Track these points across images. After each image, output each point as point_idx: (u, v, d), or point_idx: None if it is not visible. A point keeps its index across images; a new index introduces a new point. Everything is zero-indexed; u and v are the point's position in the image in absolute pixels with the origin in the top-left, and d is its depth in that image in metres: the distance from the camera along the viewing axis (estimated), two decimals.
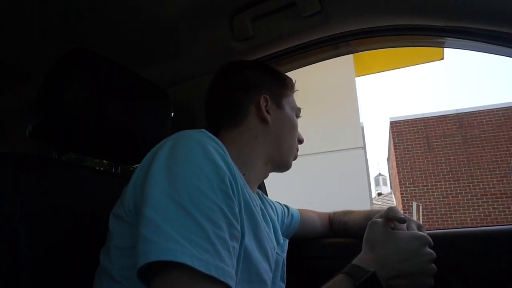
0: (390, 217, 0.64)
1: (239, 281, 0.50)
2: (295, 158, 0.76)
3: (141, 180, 0.47)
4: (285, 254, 0.73)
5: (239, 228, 0.46)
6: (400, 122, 8.47)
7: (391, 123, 8.61)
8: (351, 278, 0.51)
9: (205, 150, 0.47)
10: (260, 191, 0.82)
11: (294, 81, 0.79)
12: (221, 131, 0.70)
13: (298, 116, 0.78)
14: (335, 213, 0.95)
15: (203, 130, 0.52)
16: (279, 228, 0.77)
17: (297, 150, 0.76)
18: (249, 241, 0.54)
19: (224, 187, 0.45)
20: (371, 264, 0.53)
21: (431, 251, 0.57)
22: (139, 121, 0.77)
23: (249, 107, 0.69)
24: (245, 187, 0.58)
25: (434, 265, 0.56)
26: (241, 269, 0.51)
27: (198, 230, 0.40)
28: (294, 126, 0.74)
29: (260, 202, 0.75)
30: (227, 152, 0.51)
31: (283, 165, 0.74)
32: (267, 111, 0.69)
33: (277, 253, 0.69)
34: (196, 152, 0.46)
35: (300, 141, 0.78)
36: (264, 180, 1.13)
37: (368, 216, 0.81)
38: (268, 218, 0.73)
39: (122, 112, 0.73)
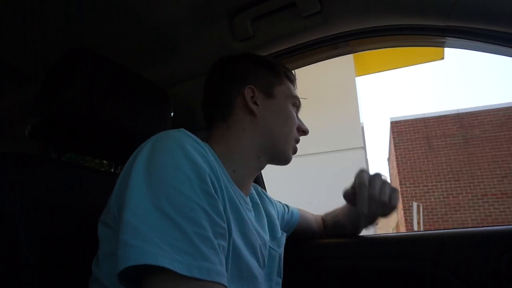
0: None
1: (230, 278, 0.50)
2: (294, 151, 0.71)
3: (124, 185, 0.47)
4: (282, 249, 0.73)
5: (225, 225, 0.46)
6: (401, 122, 8.46)
7: (391, 123, 8.60)
8: None
9: (184, 150, 0.46)
10: (259, 187, 0.82)
11: (293, 72, 0.76)
12: (212, 128, 0.69)
13: (296, 106, 0.73)
14: (326, 214, 0.97)
15: (182, 129, 0.51)
16: (278, 224, 0.76)
17: (297, 142, 0.72)
18: (236, 238, 0.54)
19: (205, 186, 0.45)
20: None
21: None
22: (139, 121, 0.77)
23: (235, 100, 0.67)
24: (230, 184, 0.57)
25: None
26: (231, 266, 0.51)
27: (178, 233, 0.40)
28: (287, 116, 0.69)
29: (257, 197, 0.75)
30: (208, 151, 0.50)
31: (279, 157, 0.69)
32: (255, 102, 0.67)
33: (273, 249, 0.69)
34: (175, 152, 0.46)
35: (304, 132, 0.73)
36: (264, 180, 1.13)
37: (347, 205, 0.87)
38: (264, 213, 0.73)
39: (122, 112, 0.73)
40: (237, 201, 0.57)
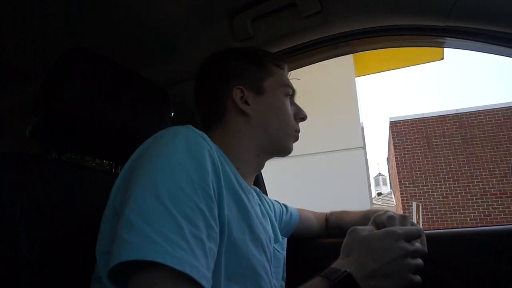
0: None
1: (232, 276, 0.50)
2: (296, 139, 0.70)
3: (128, 180, 0.47)
4: (285, 252, 0.72)
5: (217, 230, 0.46)
6: (400, 122, 8.47)
7: (391, 123, 8.61)
8: (326, 279, 0.47)
9: (189, 147, 0.46)
10: (257, 189, 0.82)
11: (281, 59, 0.73)
12: (210, 129, 0.69)
13: (290, 95, 0.71)
14: (331, 213, 0.94)
15: (190, 126, 0.51)
16: (276, 225, 0.76)
17: (298, 131, 0.70)
18: (241, 234, 0.53)
19: (206, 187, 0.45)
20: (348, 266, 0.49)
21: (405, 245, 0.51)
22: (139, 121, 0.77)
23: (226, 102, 0.66)
24: (236, 180, 0.56)
25: (410, 260, 0.51)
26: (233, 264, 0.50)
27: (174, 227, 0.39)
28: (282, 108, 0.67)
29: (258, 198, 0.74)
30: (213, 147, 0.50)
31: (279, 151, 0.69)
32: (246, 102, 0.65)
33: (277, 250, 0.68)
34: (180, 150, 0.45)
35: (302, 118, 0.71)
36: (265, 180, 1.13)
37: (366, 216, 0.80)
38: (266, 213, 0.72)
39: (122, 112, 0.73)
40: (243, 196, 0.56)
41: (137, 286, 0.39)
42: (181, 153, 0.45)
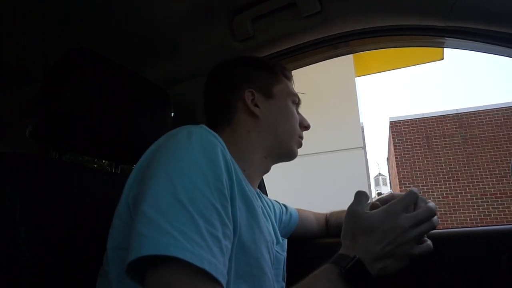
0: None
1: (241, 275, 0.50)
2: (299, 146, 0.74)
3: (141, 177, 0.47)
4: (285, 253, 0.73)
5: (231, 228, 0.46)
6: (400, 122, 8.47)
7: (391, 123, 8.61)
8: (337, 265, 0.49)
9: (203, 146, 0.46)
10: (258, 190, 0.82)
11: (289, 71, 0.78)
12: (217, 131, 0.70)
13: (296, 103, 0.76)
14: (331, 213, 0.95)
15: (203, 126, 0.52)
16: (277, 227, 0.77)
17: (301, 138, 0.75)
18: (251, 235, 0.54)
19: (220, 185, 0.45)
20: (355, 252, 0.51)
21: (402, 223, 0.52)
22: (139, 121, 0.77)
23: (236, 104, 0.70)
24: (244, 182, 0.58)
25: (411, 233, 0.51)
26: (242, 263, 0.51)
27: (191, 224, 0.40)
28: (289, 113, 0.72)
29: (259, 200, 0.75)
30: (226, 147, 0.51)
31: (285, 154, 0.72)
32: (256, 105, 0.69)
33: (278, 252, 0.69)
34: (194, 148, 0.46)
35: (306, 127, 0.76)
36: (264, 180, 1.13)
37: None
38: (267, 215, 0.73)
39: (122, 112, 0.73)
40: (252, 198, 0.57)
41: (155, 281, 0.39)
42: (196, 152, 0.46)
